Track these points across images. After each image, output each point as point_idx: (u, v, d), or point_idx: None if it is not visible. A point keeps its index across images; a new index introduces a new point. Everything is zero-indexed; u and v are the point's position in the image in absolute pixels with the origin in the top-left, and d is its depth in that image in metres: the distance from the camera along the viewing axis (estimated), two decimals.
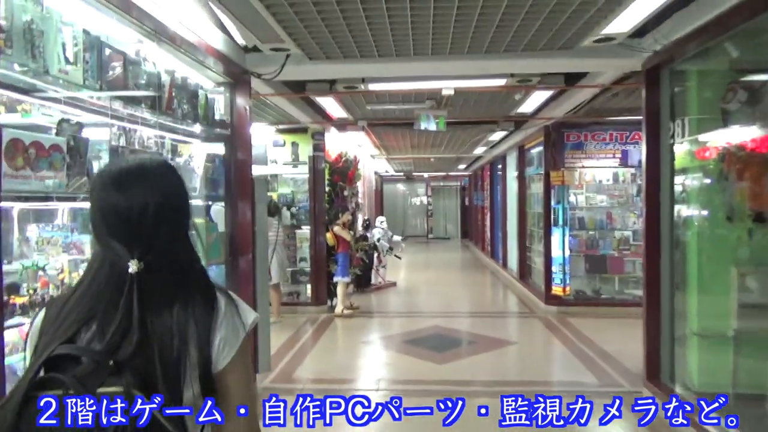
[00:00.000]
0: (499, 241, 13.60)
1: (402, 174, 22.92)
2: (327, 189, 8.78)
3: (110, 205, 1.10)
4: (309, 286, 8.52)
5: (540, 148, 9.56)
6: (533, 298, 9.07)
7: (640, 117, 4.84)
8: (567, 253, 8.04)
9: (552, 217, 8.19)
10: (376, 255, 10.93)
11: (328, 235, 8.36)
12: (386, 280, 11.23)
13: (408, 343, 6.65)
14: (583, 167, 8.27)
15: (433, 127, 6.59)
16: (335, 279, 8.27)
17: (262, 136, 8.34)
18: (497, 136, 9.83)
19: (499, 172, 13.77)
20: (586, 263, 8.34)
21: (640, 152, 8.12)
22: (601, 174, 8.35)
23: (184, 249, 1.19)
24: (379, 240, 11.23)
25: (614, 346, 6.27)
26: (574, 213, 8.30)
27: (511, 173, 12.00)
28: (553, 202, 8.19)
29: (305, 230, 8.56)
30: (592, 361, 5.80)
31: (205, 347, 1.11)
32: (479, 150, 12.45)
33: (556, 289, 8.10)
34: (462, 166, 18.82)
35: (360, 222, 10.79)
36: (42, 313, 1.15)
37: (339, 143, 9.49)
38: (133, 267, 1.07)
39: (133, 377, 1.01)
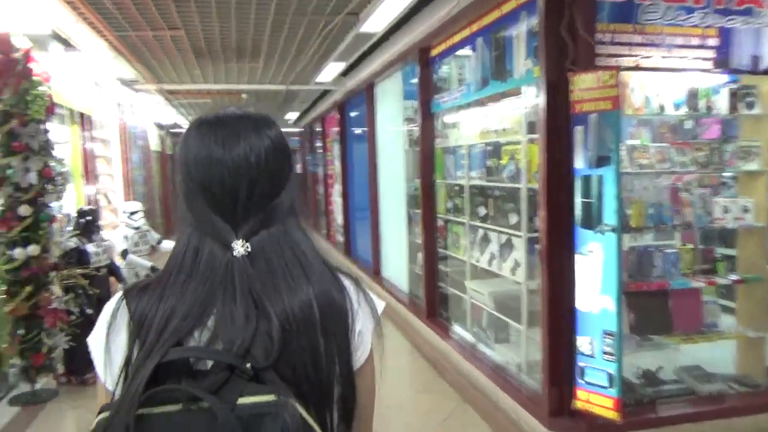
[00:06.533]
0: (364, 231, 8.30)
1: None
2: None
3: (213, 169, 0.83)
4: None
5: (454, 52, 4.33)
6: (495, 393, 3.85)
7: None
8: (616, 301, 2.93)
9: (580, 202, 2.98)
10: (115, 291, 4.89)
11: None
12: None
13: None
14: (638, 68, 3.15)
15: None
16: None
17: None
18: (386, 10, 4.29)
19: (358, 127, 8.36)
20: (631, 312, 3.36)
21: (758, 33, 3.31)
22: (666, 90, 3.33)
23: (296, 221, 0.91)
24: (125, 255, 5.13)
25: None
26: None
27: (389, 114, 6.68)
28: (581, 162, 2.98)
29: None
30: None
31: (348, 342, 0.88)
32: (329, 72, 6.84)
33: (592, 399, 2.99)
34: (292, 116, 13.04)
35: (69, 220, 4.59)
36: (122, 308, 0.84)
37: None
38: (239, 249, 0.83)
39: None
